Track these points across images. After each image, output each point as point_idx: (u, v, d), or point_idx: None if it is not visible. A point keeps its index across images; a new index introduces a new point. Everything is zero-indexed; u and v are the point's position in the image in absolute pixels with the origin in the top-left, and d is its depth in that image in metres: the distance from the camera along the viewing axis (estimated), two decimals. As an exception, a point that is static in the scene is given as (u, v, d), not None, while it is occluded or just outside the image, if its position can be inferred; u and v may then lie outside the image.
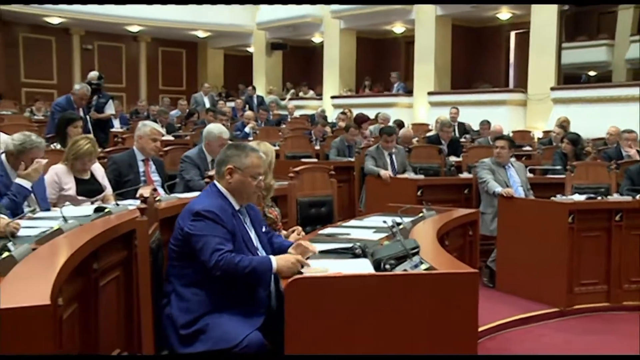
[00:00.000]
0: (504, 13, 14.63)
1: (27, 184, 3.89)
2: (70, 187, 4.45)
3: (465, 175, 7.18)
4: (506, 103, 13.28)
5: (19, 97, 17.04)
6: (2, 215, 3.18)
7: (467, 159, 7.73)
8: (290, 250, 2.99)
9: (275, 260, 2.67)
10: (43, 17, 16.99)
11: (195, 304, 2.71)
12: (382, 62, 17.77)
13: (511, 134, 9.72)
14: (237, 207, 2.93)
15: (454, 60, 15.01)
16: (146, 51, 19.91)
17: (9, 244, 2.41)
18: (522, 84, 13.80)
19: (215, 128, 5.40)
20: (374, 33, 17.36)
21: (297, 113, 15.88)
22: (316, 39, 18.28)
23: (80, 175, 4.56)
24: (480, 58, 15.87)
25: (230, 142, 4.87)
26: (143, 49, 19.85)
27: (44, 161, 4.02)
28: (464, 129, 11.38)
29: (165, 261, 2.96)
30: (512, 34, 15.87)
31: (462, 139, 10.12)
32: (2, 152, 4.01)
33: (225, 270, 2.65)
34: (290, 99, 17.25)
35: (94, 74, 9.38)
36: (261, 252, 2.94)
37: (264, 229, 3.11)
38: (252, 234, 2.99)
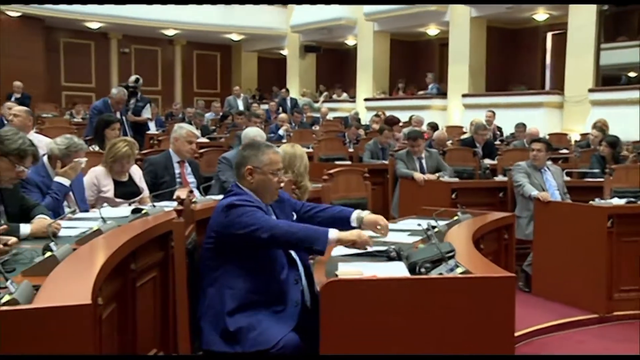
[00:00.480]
0: (541, 14, 14.43)
1: (66, 182, 4.00)
2: (109, 189, 4.55)
3: (500, 178, 7.10)
4: (542, 105, 13.09)
5: (59, 100, 17.47)
6: (44, 216, 3.27)
7: (502, 162, 7.64)
8: (366, 220, 2.98)
9: (337, 232, 2.66)
10: (83, 22, 17.37)
11: (230, 304, 2.70)
12: (415, 64, 17.70)
13: (547, 137, 9.58)
14: (263, 205, 2.90)
15: (488, 61, 14.86)
16: (181, 54, 20.19)
17: (52, 244, 2.47)
18: (558, 86, 13.59)
19: (253, 131, 5.45)
20: (408, 35, 17.29)
21: (330, 115, 15.93)
22: (350, 41, 18.29)
23: (119, 177, 4.66)
24: (516, 59, 15.69)
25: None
26: (178, 52, 20.13)
27: (83, 159, 4.12)
28: (499, 132, 11.26)
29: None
30: (549, 35, 15.65)
31: (497, 142, 10.02)
32: (45, 155, 4.12)
33: (275, 231, 2.63)
34: (324, 102, 17.28)
35: (132, 78, 9.58)
36: None
37: (298, 213, 3.08)
38: None
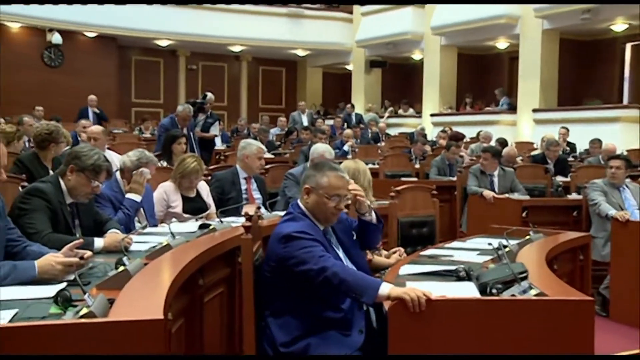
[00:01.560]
0: (619, 24, 13.96)
1: (137, 198, 4.15)
2: (177, 205, 4.68)
3: (574, 196, 6.88)
4: (619, 120, 12.63)
5: (129, 116, 18.08)
6: (117, 231, 3.40)
7: (576, 179, 7.42)
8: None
9: (388, 287, 2.45)
10: (153, 40, 17.98)
11: (293, 325, 2.71)
12: (483, 78, 17.43)
13: (625, 153, 9.24)
14: (321, 228, 2.91)
15: (561, 75, 14.48)
16: (247, 70, 20.54)
17: (124, 259, 2.55)
18: (637, 99, 13.09)
19: (321, 147, 5.50)
20: (476, 49, 17.06)
21: (395, 131, 15.86)
22: (416, 55, 18.20)
23: (187, 193, 4.79)
24: (590, 72, 15.22)
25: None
26: (244, 68, 20.49)
27: (147, 170, 4.25)
28: (569, 147, 10.94)
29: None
30: (628, 46, 15.11)
31: (570, 159, 9.73)
32: (117, 170, 4.28)
33: (327, 274, 2.57)
34: (389, 117, 17.23)
35: (209, 95, 9.78)
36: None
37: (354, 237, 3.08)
38: (341, 253, 2.96)
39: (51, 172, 4.94)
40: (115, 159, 4.98)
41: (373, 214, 3.15)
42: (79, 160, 3.32)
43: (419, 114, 17.23)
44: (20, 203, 3.21)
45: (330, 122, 15.03)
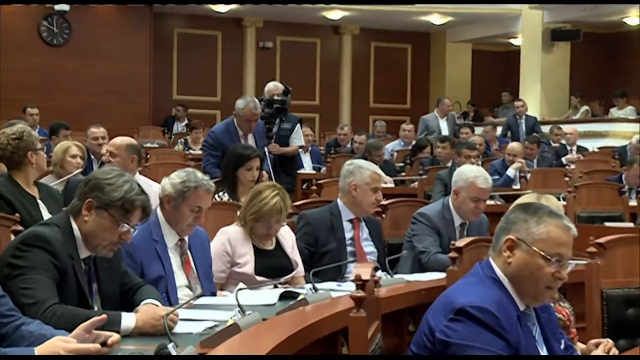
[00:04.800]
0: None
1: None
2: (247, 262, 4.78)
3: None
4: None
5: (169, 121, 18.41)
6: (155, 301, 3.51)
7: None
8: None
9: None
10: (207, 4, 18.10)
11: None
12: None
13: None
14: (521, 308, 2.96)
15: None
16: (352, 49, 20.61)
17: (169, 346, 2.63)
18: None
19: (469, 171, 5.49)
20: None
21: (592, 144, 15.44)
22: (632, 19, 17.77)
23: (262, 243, 4.89)
24: None
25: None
26: (347, 45, 20.57)
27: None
28: None
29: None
30: None
31: None
32: (157, 206, 4.43)
33: None
34: (583, 120, 16.82)
35: (273, 86, 9.65)
36: None
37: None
38: (544, 351, 3.00)
39: (40, 203, 5.17)
40: (153, 190, 5.17)
41: None
42: (100, 192, 3.43)
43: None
44: (11, 258, 3.33)
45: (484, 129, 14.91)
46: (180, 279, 4.39)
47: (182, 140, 13.81)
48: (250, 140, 8.04)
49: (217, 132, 8.19)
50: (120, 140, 6.55)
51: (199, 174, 4.50)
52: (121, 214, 3.43)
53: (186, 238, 4.49)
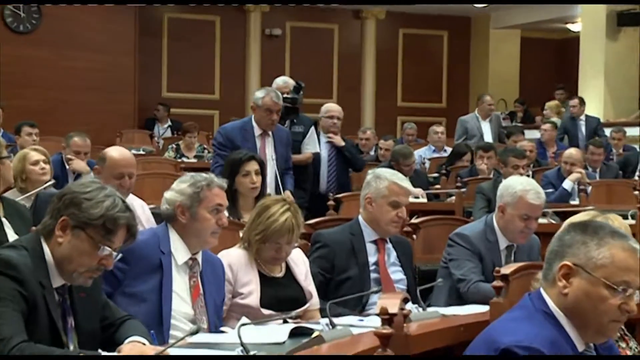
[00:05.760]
0: None
1: None
2: (252, 291, 4.75)
3: None
4: None
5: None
6: (141, 339, 3.51)
7: None
8: None
9: None
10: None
11: None
12: None
13: None
14: (580, 348, 2.95)
15: None
16: (376, 37, 20.66)
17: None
18: None
19: (517, 183, 5.46)
20: None
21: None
22: None
23: (270, 269, 4.87)
24: None
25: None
26: (370, 32, 20.64)
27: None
28: None
29: None
30: None
31: None
32: (164, 221, 4.49)
33: None
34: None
35: (282, 82, 9.70)
36: None
37: None
38: None
39: (5, 222, 5.11)
40: (137, 206, 5.17)
41: None
42: (77, 209, 3.43)
43: None
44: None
45: (536, 133, 14.87)
46: (182, 305, 4.42)
47: (174, 146, 13.70)
48: (269, 146, 8.10)
49: (228, 128, 8.36)
50: (130, 156, 6.48)
51: (203, 174, 4.60)
52: (102, 234, 3.43)
53: (199, 258, 4.53)
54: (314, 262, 5.27)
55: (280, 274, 4.92)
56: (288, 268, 4.96)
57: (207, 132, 15.08)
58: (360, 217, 5.55)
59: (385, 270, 5.42)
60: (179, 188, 4.48)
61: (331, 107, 10.30)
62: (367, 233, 5.46)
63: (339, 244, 5.41)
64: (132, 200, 5.95)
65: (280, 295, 4.82)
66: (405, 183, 5.63)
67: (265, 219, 4.80)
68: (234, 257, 4.84)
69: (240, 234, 5.04)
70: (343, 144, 10.08)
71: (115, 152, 6.27)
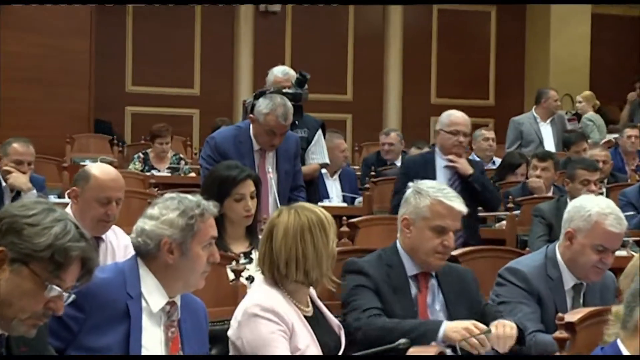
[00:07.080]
0: None
1: None
2: (308, 345, 4.79)
3: None
4: None
5: (121, 124, 18.53)
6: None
7: None
8: None
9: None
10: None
11: None
12: None
13: None
14: None
15: None
16: (402, 16, 20.78)
17: None
18: None
19: (596, 206, 5.45)
20: None
21: None
22: None
23: (302, 308, 4.94)
24: None
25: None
26: (395, 10, 20.75)
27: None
28: None
29: None
30: None
31: None
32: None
33: None
34: None
35: (282, 73, 9.79)
36: None
37: None
38: None
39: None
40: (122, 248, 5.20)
41: None
42: (18, 238, 3.38)
43: None
44: None
45: (613, 136, 14.88)
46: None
47: (140, 155, 13.76)
48: (269, 161, 8.27)
49: (218, 138, 8.52)
50: (119, 176, 6.46)
51: (189, 196, 4.56)
52: (49, 270, 3.37)
53: (178, 303, 4.50)
54: (353, 293, 5.30)
55: (309, 311, 4.95)
56: (312, 302, 5.01)
57: (184, 137, 15.12)
58: (398, 244, 5.53)
59: (424, 311, 5.42)
60: (166, 218, 4.42)
61: (455, 118, 9.24)
62: (409, 267, 5.48)
63: (379, 276, 5.41)
64: (117, 235, 5.98)
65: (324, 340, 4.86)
66: (455, 202, 5.60)
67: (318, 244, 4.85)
68: (276, 302, 4.80)
69: (229, 270, 5.02)
70: (471, 171, 9.13)
71: (100, 170, 6.30)
